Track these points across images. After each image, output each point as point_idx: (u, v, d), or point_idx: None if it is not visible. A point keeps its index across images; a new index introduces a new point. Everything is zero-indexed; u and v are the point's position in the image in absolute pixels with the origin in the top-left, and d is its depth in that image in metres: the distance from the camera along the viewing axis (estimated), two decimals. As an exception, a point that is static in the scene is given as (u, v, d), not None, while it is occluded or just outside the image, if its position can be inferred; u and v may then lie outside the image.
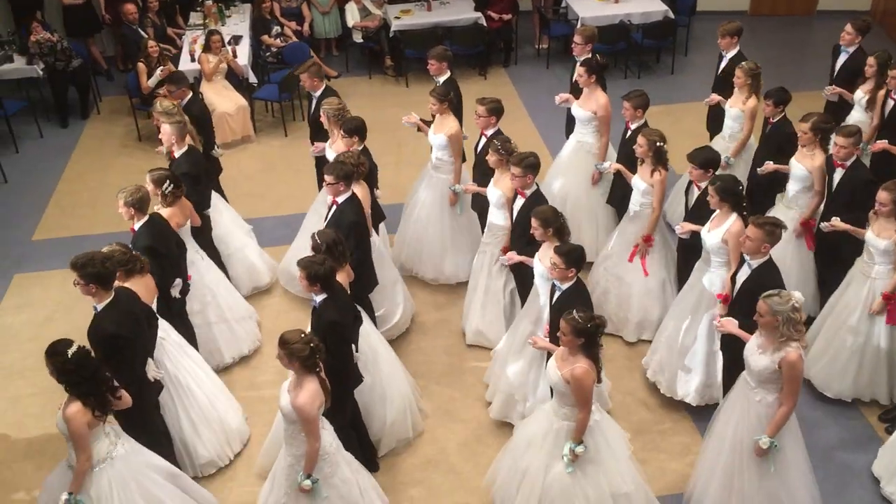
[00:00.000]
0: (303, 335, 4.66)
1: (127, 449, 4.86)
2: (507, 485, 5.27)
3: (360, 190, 6.21)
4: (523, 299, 6.34)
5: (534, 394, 5.91)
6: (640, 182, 6.56)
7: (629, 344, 6.94)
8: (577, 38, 7.93)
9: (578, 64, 7.61)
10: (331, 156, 6.74)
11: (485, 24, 11.37)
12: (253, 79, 10.48)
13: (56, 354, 4.52)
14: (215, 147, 7.80)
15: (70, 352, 4.51)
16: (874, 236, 5.89)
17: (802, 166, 6.57)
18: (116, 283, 5.18)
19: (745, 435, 5.02)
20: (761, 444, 4.87)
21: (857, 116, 7.73)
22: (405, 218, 7.74)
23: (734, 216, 5.74)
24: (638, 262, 6.73)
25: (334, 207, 6.07)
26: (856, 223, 6.11)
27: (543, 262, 5.63)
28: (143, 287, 5.44)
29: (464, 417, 6.34)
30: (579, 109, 7.48)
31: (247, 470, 5.94)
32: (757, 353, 4.87)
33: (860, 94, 7.74)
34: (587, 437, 4.89)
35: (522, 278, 6.34)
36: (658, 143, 6.35)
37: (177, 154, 6.75)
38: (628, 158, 6.90)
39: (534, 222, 5.64)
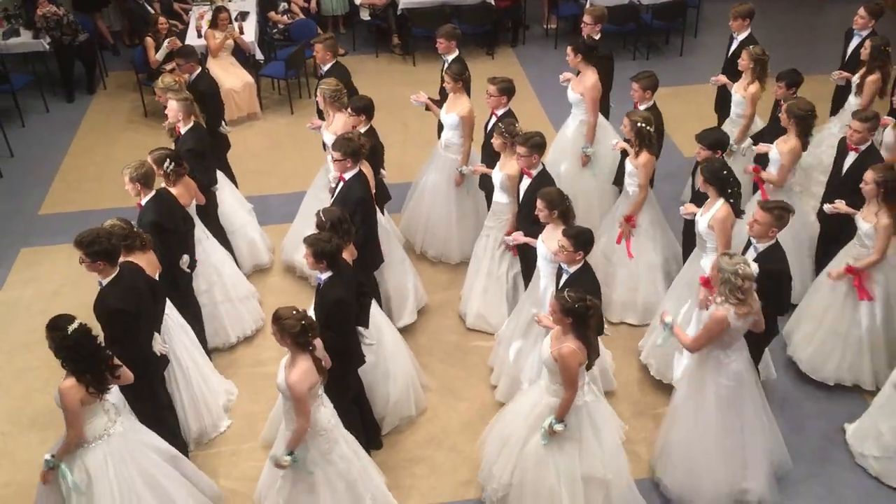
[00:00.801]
0: (295, 312, 4.64)
1: (126, 427, 4.87)
2: (492, 449, 5.34)
3: (364, 170, 6.20)
4: (527, 281, 6.34)
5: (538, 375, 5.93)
6: (628, 163, 6.58)
7: (633, 326, 6.94)
8: (586, 18, 7.90)
9: (568, 45, 7.55)
10: (328, 138, 6.68)
11: (493, 2, 11.30)
12: (260, 56, 10.44)
13: (56, 329, 4.52)
14: (223, 123, 7.78)
15: (70, 328, 4.50)
16: (860, 219, 5.90)
17: (777, 150, 6.54)
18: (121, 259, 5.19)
19: (703, 395, 5.19)
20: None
21: (853, 101, 7.69)
22: (414, 197, 7.74)
23: (721, 201, 5.70)
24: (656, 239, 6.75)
25: (341, 184, 6.07)
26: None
27: (547, 243, 5.63)
28: (145, 263, 5.45)
29: (467, 396, 6.37)
30: (570, 91, 7.46)
31: (252, 443, 5.99)
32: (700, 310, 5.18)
33: (855, 79, 7.71)
34: (571, 417, 4.89)
35: (527, 260, 6.33)
36: (640, 125, 6.33)
37: (182, 130, 6.75)
38: None
39: (539, 203, 5.62)
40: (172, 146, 6.67)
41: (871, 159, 6.32)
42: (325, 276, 5.12)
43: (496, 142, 6.45)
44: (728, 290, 4.83)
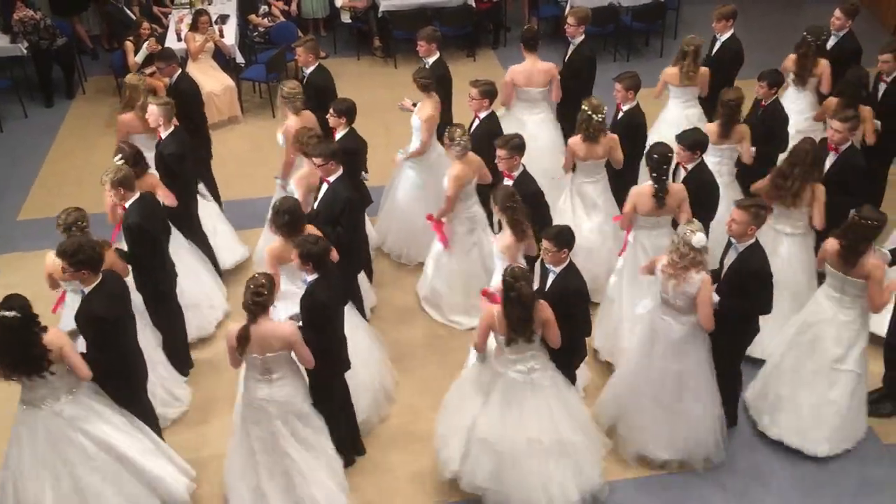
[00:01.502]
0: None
1: (72, 413, 4.90)
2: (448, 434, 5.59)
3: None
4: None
5: None
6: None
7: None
8: (570, 20, 7.94)
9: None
10: (279, 139, 6.85)
11: (473, 4, 11.32)
12: (240, 59, 10.40)
13: None
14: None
15: (4, 315, 4.59)
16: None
17: None
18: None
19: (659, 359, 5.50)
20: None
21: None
22: (387, 202, 7.76)
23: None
24: (587, 225, 6.84)
25: (325, 186, 6.05)
26: (845, 208, 6.12)
27: (497, 241, 5.88)
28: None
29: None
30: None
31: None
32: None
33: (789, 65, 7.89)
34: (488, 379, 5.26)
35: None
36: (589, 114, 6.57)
37: (163, 135, 6.72)
38: (623, 139, 6.90)
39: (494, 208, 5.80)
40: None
41: (851, 160, 6.36)
42: (311, 277, 5.11)
43: (447, 145, 6.54)
44: (676, 256, 5.19)
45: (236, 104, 10.10)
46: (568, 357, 5.44)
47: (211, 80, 9.78)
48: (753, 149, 6.86)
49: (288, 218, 5.43)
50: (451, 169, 6.51)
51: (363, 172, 6.94)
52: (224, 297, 7.16)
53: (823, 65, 7.72)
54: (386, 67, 11.48)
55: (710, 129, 6.75)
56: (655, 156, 5.95)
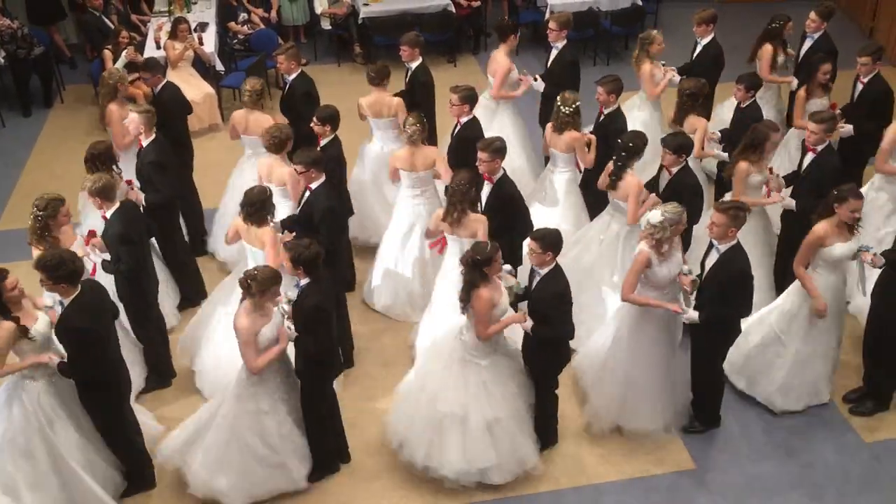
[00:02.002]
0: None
1: (47, 392, 5.12)
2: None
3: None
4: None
5: None
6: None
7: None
8: (552, 25, 7.98)
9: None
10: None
11: (454, 10, 11.34)
12: (220, 66, 10.35)
13: None
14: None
15: None
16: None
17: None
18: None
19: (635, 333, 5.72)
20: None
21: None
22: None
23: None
24: (555, 214, 7.07)
25: (307, 193, 6.03)
26: (823, 209, 6.15)
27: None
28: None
29: None
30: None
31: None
32: (658, 268, 5.50)
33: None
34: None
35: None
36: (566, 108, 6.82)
37: (144, 143, 6.69)
38: (601, 142, 6.97)
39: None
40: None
41: (827, 160, 6.42)
42: (303, 282, 5.09)
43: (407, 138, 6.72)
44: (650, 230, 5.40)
45: (217, 112, 10.06)
46: (548, 357, 5.48)
47: (191, 88, 9.72)
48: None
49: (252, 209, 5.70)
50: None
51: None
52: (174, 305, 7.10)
53: (765, 49, 8.07)
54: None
55: (668, 114, 7.01)
56: (620, 141, 6.28)
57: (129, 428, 5.40)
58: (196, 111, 9.73)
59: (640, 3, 11.36)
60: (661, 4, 12.21)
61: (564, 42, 7.99)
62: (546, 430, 5.89)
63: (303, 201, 6.07)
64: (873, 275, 5.93)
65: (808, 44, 8.25)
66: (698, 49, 8.20)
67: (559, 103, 6.82)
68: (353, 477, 5.78)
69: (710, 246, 5.55)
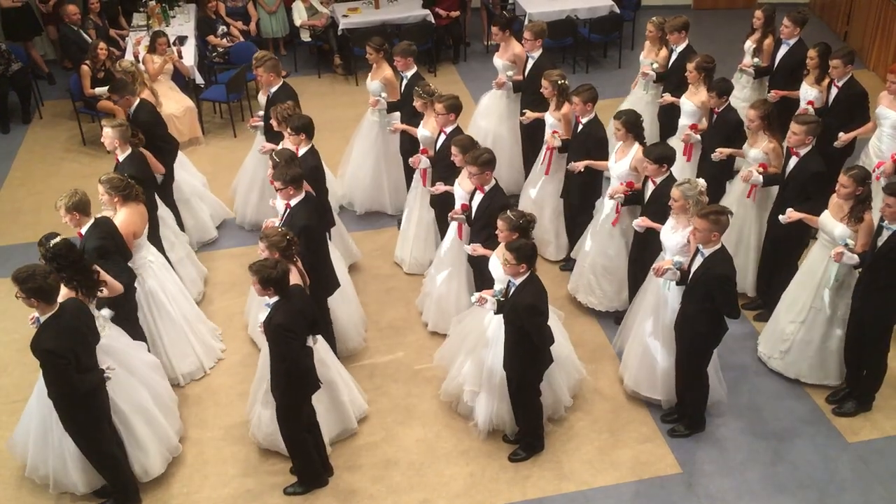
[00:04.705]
0: (280, 229, 5.49)
1: (111, 337, 5.48)
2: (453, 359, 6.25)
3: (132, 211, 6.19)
4: (479, 287, 6.32)
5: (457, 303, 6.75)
6: (550, 117, 7.40)
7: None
8: (526, 34, 8.03)
9: (492, 24, 8.57)
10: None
11: (433, 20, 11.39)
12: (199, 79, 10.32)
13: (40, 245, 5.27)
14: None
15: (52, 242, 5.17)
16: (748, 146, 6.83)
17: (691, 102, 7.49)
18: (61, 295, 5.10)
19: (665, 308, 5.93)
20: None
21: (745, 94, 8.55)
22: (350, 161, 8.42)
23: (636, 145, 6.61)
24: (547, 190, 7.59)
25: (287, 210, 6.03)
26: (808, 213, 6.20)
27: (462, 184, 6.53)
28: (138, 215, 6.12)
29: (421, 425, 6.30)
30: (499, 60, 8.43)
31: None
32: (671, 233, 5.87)
33: (749, 44, 8.57)
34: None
35: (480, 269, 6.34)
36: (560, 81, 7.21)
37: (120, 157, 6.65)
38: (579, 150, 7.01)
39: (453, 150, 6.39)
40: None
41: (809, 164, 6.42)
42: (272, 300, 5.08)
43: (416, 103, 7.15)
44: (699, 206, 5.55)
45: (197, 125, 10.03)
46: (526, 364, 5.51)
47: (171, 102, 9.70)
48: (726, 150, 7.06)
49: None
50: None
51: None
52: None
53: (767, 43, 8.49)
54: (347, 85, 11.49)
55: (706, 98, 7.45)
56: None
57: (109, 446, 5.33)
58: (176, 125, 9.72)
59: (618, 10, 11.43)
60: (638, 12, 12.30)
61: (540, 51, 8.04)
62: (533, 437, 5.93)
63: (284, 217, 6.06)
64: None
65: (783, 50, 8.34)
66: (674, 57, 8.26)
67: (560, 80, 7.22)
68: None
69: (696, 251, 5.59)
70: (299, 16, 11.61)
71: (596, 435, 6.14)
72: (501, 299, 5.52)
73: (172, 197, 7.64)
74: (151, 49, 9.71)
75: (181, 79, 10.10)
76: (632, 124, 6.62)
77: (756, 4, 11.98)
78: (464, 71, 11.71)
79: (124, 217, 6.09)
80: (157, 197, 7.10)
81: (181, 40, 10.52)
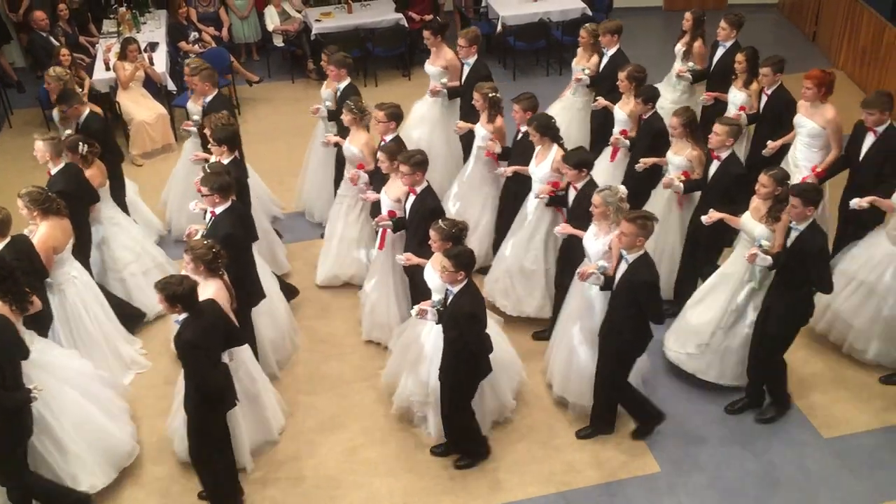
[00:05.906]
0: (206, 242, 5.34)
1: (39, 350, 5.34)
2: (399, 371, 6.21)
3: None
4: (415, 301, 6.23)
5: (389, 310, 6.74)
6: (482, 129, 7.31)
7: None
8: (461, 41, 8.12)
9: (424, 28, 8.61)
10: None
11: (406, 25, 11.38)
12: (172, 86, 10.25)
13: None
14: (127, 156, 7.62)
15: None
16: (672, 153, 6.85)
17: (623, 112, 7.48)
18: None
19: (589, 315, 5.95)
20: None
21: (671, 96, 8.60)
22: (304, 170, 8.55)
23: (555, 147, 6.63)
24: (477, 206, 7.53)
25: (211, 218, 5.98)
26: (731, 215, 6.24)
27: (388, 193, 6.53)
28: (60, 231, 5.95)
29: (350, 423, 6.31)
30: (430, 66, 8.37)
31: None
32: (593, 239, 5.87)
33: (679, 48, 8.54)
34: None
35: (415, 280, 6.34)
36: (491, 94, 7.12)
37: (52, 171, 6.55)
38: (520, 157, 7.01)
39: (381, 156, 6.46)
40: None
41: (730, 168, 6.48)
42: (181, 317, 4.99)
43: (345, 117, 7.08)
44: (620, 214, 5.59)
45: (170, 132, 9.95)
46: (462, 373, 5.50)
47: (142, 109, 9.63)
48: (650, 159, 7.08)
49: None
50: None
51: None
52: None
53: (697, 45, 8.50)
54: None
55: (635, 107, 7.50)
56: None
57: (23, 470, 5.17)
58: (149, 132, 9.65)
59: (590, 13, 11.49)
60: (610, 14, 12.36)
61: (475, 57, 8.08)
62: (469, 444, 5.91)
63: (208, 226, 6.00)
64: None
65: (720, 52, 8.35)
66: (604, 61, 8.27)
67: (491, 93, 7.12)
68: None
69: (621, 256, 5.58)
70: (272, 21, 11.56)
71: (538, 436, 6.16)
72: (441, 309, 5.48)
73: (126, 205, 7.56)
74: (122, 56, 9.63)
75: (153, 85, 10.02)
76: (545, 127, 6.62)
77: (727, 7, 12.05)
78: (438, 75, 11.68)
79: (44, 232, 5.95)
80: (113, 208, 7.04)
81: (152, 46, 10.45)
